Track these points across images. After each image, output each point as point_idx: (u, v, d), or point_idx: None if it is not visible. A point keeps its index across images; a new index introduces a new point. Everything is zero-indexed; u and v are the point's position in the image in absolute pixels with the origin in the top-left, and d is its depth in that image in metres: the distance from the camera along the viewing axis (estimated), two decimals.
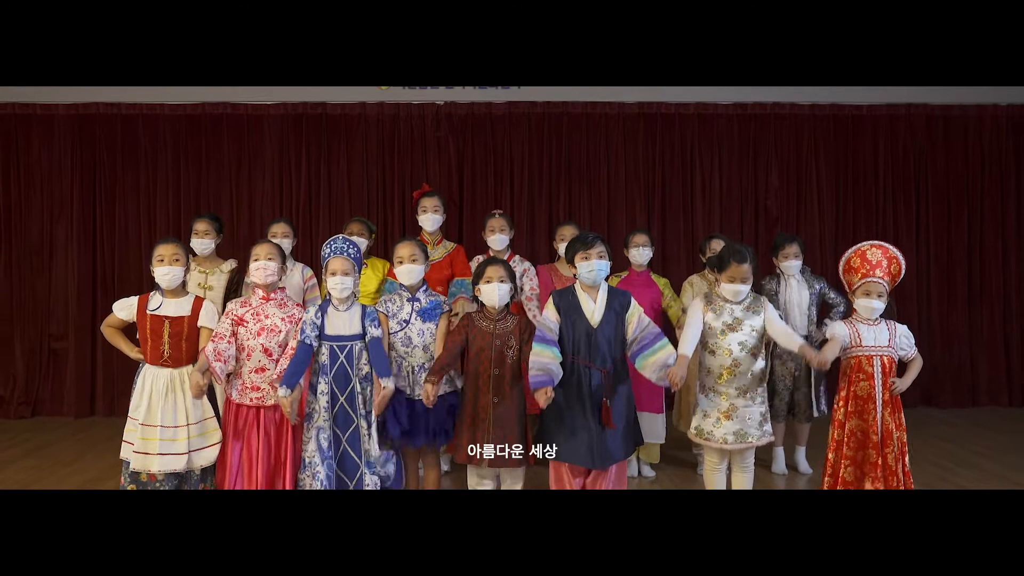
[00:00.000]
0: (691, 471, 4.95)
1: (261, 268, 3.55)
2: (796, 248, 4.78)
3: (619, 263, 5.15)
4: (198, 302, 3.58)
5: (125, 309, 3.56)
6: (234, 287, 4.71)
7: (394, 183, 6.65)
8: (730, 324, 3.49)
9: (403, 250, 3.72)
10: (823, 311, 4.90)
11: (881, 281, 3.43)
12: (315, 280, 4.78)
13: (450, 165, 6.68)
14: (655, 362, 3.33)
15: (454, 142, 6.69)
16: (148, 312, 3.48)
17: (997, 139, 6.90)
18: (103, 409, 6.44)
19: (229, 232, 5.87)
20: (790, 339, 3.55)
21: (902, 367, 3.66)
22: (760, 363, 3.54)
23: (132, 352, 3.63)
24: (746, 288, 3.50)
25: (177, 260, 3.50)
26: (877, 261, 3.46)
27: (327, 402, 3.44)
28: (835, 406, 3.60)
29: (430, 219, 4.78)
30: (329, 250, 3.62)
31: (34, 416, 6.54)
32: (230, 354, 3.49)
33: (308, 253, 6.30)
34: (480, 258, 4.80)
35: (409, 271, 3.67)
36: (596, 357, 3.33)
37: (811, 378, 4.79)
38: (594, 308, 3.38)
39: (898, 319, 3.68)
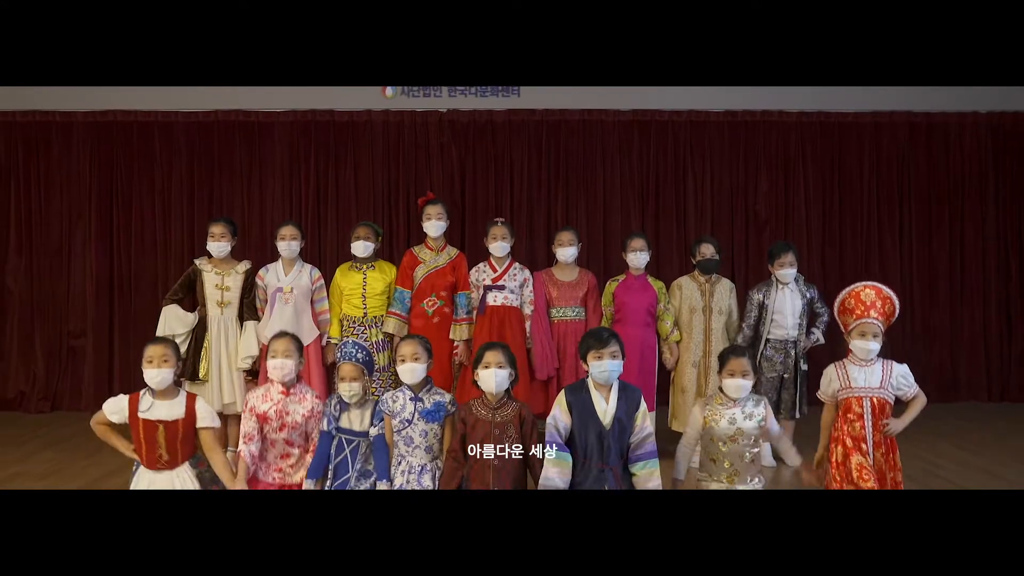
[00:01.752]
0: None
1: (278, 368, 3.40)
2: (791, 257, 4.83)
3: (617, 266, 5.20)
4: (191, 400, 3.29)
5: (116, 412, 3.25)
6: (248, 288, 4.76)
7: (399, 188, 6.68)
8: (731, 435, 3.19)
9: (405, 348, 3.41)
10: (811, 320, 4.98)
11: (875, 322, 3.26)
12: (323, 282, 4.82)
13: (452, 171, 6.71)
14: (643, 480, 3.14)
15: (456, 149, 6.72)
16: (140, 416, 3.21)
17: (977, 145, 6.92)
18: None
19: (241, 234, 5.89)
20: (788, 454, 3.47)
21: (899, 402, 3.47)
22: (758, 466, 3.29)
23: (127, 450, 3.31)
24: (748, 384, 3.22)
25: (166, 361, 3.21)
26: (871, 302, 3.29)
27: (329, 484, 3.40)
28: (832, 447, 3.34)
29: (435, 226, 4.80)
30: (340, 354, 3.49)
31: (53, 411, 6.57)
32: (259, 449, 3.41)
33: (316, 256, 6.34)
34: (482, 266, 4.82)
35: (411, 370, 3.38)
36: (608, 458, 3.10)
37: (796, 380, 4.85)
38: (606, 408, 3.13)
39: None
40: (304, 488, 3.37)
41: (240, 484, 3.29)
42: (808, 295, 4.90)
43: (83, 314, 6.60)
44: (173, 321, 4.72)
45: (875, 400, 3.24)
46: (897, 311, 3.34)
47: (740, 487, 3.20)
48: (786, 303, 4.82)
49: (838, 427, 3.31)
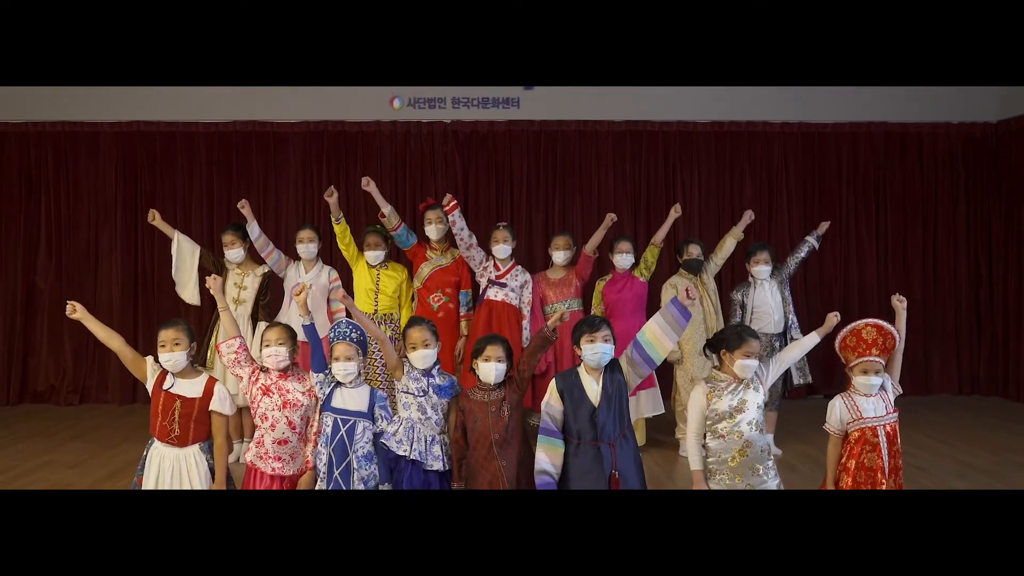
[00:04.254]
0: (673, 452, 5.00)
1: (272, 356, 3.27)
2: (767, 255, 4.92)
3: (606, 265, 5.22)
4: (210, 384, 3.19)
5: (152, 375, 3.19)
6: (264, 290, 4.79)
7: (405, 194, 6.70)
8: (736, 406, 3.06)
9: (415, 335, 3.34)
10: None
11: (877, 360, 3.11)
12: (339, 283, 4.86)
13: (456, 177, 6.73)
14: (654, 329, 3.09)
15: (460, 157, 6.74)
16: (163, 389, 3.14)
17: (948, 153, 6.95)
18: (143, 397, 6.40)
19: None
20: (804, 344, 3.23)
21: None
22: (768, 437, 3.14)
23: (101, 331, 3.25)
24: (756, 365, 3.10)
25: (177, 344, 3.12)
26: (873, 340, 3.12)
27: (325, 470, 3.21)
28: (839, 483, 3.16)
29: (435, 229, 4.85)
30: (333, 334, 3.32)
31: (82, 403, 6.61)
32: (246, 358, 3.32)
33: (328, 258, 6.32)
34: (489, 262, 4.86)
35: (423, 356, 3.32)
36: (602, 435, 3.04)
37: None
38: (597, 389, 3.08)
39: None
40: (315, 383, 3.26)
41: (218, 488, 3.15)
42: (783, 277, 4.99)
43: (109, 313, 6.60)
44: (186, 249, 4.91)
45: (887, 427, 3.11)
46: (897, 342, 3.17)
47: (760, 471, 3.06)
48: (766, 298, 4.89)
49: (847, 458, 3.14)
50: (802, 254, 5.10)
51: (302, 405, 3.29)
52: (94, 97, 6.55)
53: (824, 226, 5.25)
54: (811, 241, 5.14)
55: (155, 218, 4.89)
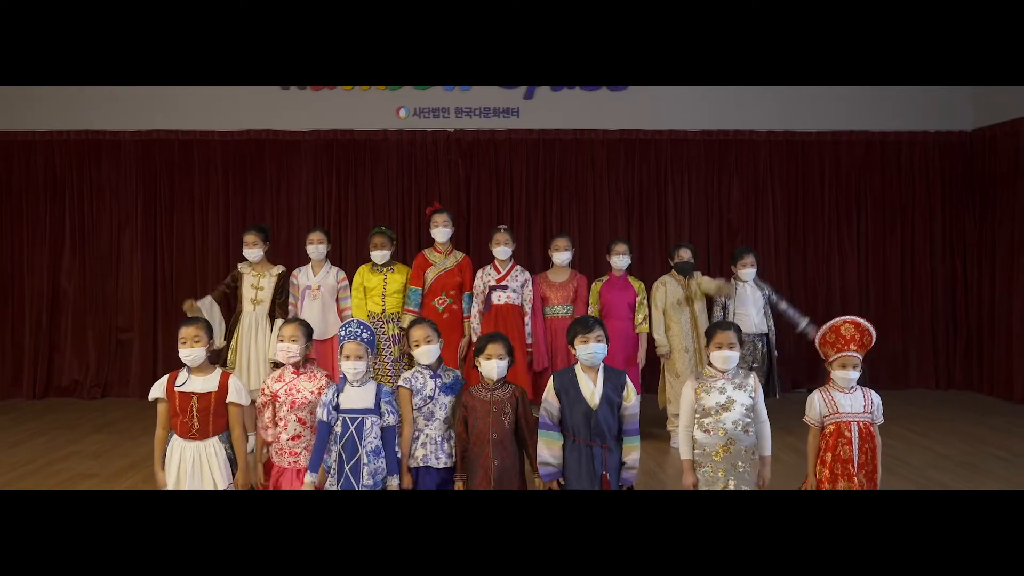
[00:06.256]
0: (665, 444, 5.03)
1: (284, 351, 3.31)
2: (752, 259, 4.99)
3: (602, 267, 5.27)
4: (224, 377, 3.21)
5: (158, 389, 3.19)
6: (280, 289, 4.82)
7: (411, 199, 6.73)
8: (723, 404, 3.08)
9: (417, 333, 3.35)
10: (776, 314, 5.11)
11: (855, 355, 3.10)
12: (347, 282, 4.88)
13: (459, 183, 6.76)
14: (626, 452, 3.13)
15: (463, 164, 6.77)
16: (176, 389, 3.16)
17: (925, 160, 6.97)
18: None
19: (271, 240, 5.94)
20: (763, 440, 3.13)
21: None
22: (753, 438, 3.11)
23: (158, 469, 3.21)
24: (735, 355, 3.10)
25: (198, 341, 3.15)
26: (851, 336, 3.11)
27: (336, 468, 3.17)
28: (817, 475, 3.13)
29: (441, 232, 4.86)
30: (344, 333, 3.27)
31: (104, 397, 6.63)
32: (273, 430, 3.34)
33: (338, 259, 6.37)
34: (488, 268, 4.86)
35: (427, 352, 3.33)
36: (596, 436, 3.06)
37: (771, 364, 4.93)
38: (593, 390, 3.09)
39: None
40: (305, 484, 3.15)
41: (241, 476, 3.20)
42: (765, 291, 5.03)
43: (130, 311, 6.66)
44: (205, 309, 4.81)
45: (861, 424, 3.09)
46: (874, 339, 3.16)
47: (741, 468, 3.06)
48: (747, 299, 4.94)
49: (824, 450, 3.11)
50: (782, 309, 5.09)
51: (309, 402, 3.29)
52: (115, 107, 6.59)
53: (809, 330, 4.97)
54: (796, 317, 5.02)
55: (191, 307, 4.71)
